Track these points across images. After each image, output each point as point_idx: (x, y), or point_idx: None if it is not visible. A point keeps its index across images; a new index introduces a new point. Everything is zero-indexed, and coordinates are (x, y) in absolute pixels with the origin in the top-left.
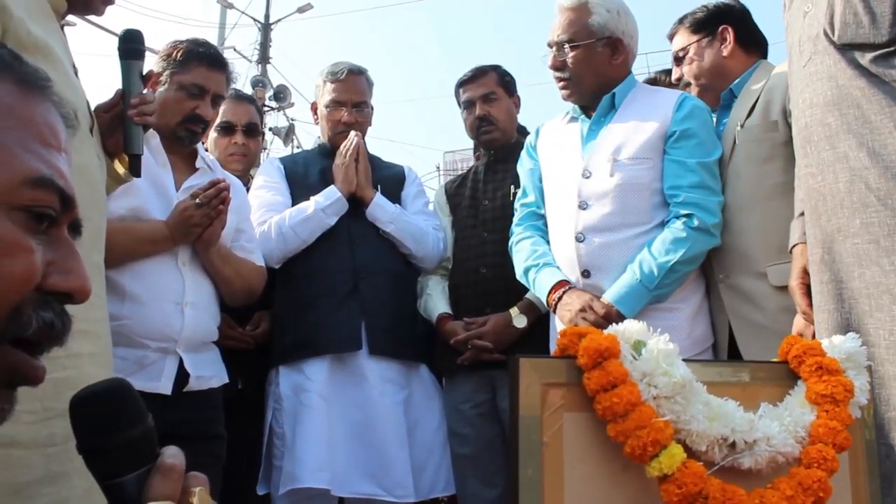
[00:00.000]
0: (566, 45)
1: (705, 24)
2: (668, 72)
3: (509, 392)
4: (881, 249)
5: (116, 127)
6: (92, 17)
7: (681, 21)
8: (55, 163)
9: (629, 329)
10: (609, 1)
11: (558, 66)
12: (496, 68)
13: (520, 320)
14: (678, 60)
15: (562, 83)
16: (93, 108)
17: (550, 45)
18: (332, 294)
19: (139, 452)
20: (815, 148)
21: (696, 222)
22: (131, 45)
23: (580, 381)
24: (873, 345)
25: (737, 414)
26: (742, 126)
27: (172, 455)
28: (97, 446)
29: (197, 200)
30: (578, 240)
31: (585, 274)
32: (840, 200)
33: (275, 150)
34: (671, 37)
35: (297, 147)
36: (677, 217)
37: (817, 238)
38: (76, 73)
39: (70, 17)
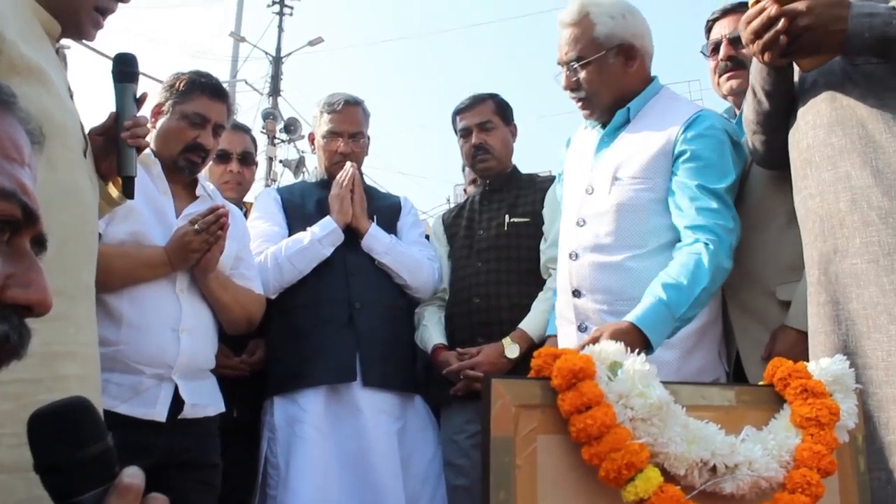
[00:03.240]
0: (575, 64)
1: None
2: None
3: (481, 413)
4: (880, 268)
5: (110, 150)
6: (102, 49)
7: (742, 6)
8: (17, 176)
9: (605, 350)
10: (611, 6)
11: (573, 87)
12: (493, 96)
13: (512, 350)
14: (731, 41)
15: (580, 103)
16: (87, 130)
17: (561, 65)
18: (328, 325)
19: (97, 471)
20: (815, 169)
21: (713, 248)
22: (125, 68)
23: (555, 402)
24: (871, 367)
25: (717, 437)
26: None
27: (131, 475)
28: (54, 464)
29: (196, 226)
30: (571, 258)
31: (576, 293)
32: (840, 220)
33: (285, 181)
34: (714, 21)
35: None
36: (697, 241)
37: (814, 260)
38: (71, 96)
39: (65, 41)
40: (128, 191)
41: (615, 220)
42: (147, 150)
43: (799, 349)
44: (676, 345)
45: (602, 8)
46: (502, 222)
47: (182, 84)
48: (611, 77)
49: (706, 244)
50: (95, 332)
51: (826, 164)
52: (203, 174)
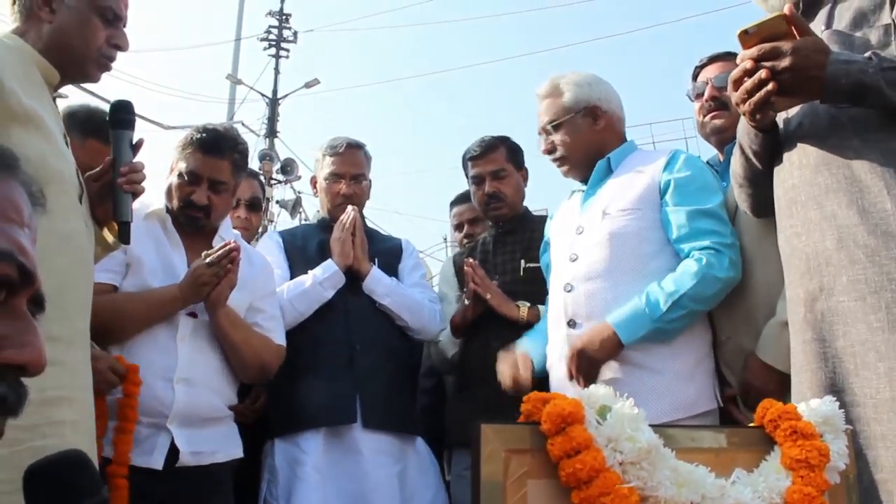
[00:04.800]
0: (549, 127)
1: None
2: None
3: (471, 458)
4: (867, 306)
5: (106, 195)
6: (101, 94)
7: (729, 54)
8: (15, 237)
9: (595, 394)
10: (578, 76)
11: (550, 149)
12: (505, 141)
13: (524, 305)
14: (716, 80)
15: (557, 163)
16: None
17: (539, 133)
18: (328, 367)
19: None
20: (801, 208)
21: (705, 260)
22: (121, 115)
23: (544, 447)
24: (859, 404)
25: (707, 480)
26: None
27: None
28: None
29: (207, 260)
30: (566, 290)
31: (571, 324)
32: (826, 258)
33: (282, 222)
34: (699, 71)
35: (305, 219)
36: (689, 256)
37: (799, 298)
38: (67, 143)
39: (61, 90)
40: (123, 236)
41: (608, 248)
42: (161, 205)
43: (763, 380)
44: (667, 371)
45: (570, 79)
46: (518, 267)
47: (183, 141)
48: (581, 135)
49: (700, 258)
50: (90, 377)
51: (812, 204)
52: (227, 224)
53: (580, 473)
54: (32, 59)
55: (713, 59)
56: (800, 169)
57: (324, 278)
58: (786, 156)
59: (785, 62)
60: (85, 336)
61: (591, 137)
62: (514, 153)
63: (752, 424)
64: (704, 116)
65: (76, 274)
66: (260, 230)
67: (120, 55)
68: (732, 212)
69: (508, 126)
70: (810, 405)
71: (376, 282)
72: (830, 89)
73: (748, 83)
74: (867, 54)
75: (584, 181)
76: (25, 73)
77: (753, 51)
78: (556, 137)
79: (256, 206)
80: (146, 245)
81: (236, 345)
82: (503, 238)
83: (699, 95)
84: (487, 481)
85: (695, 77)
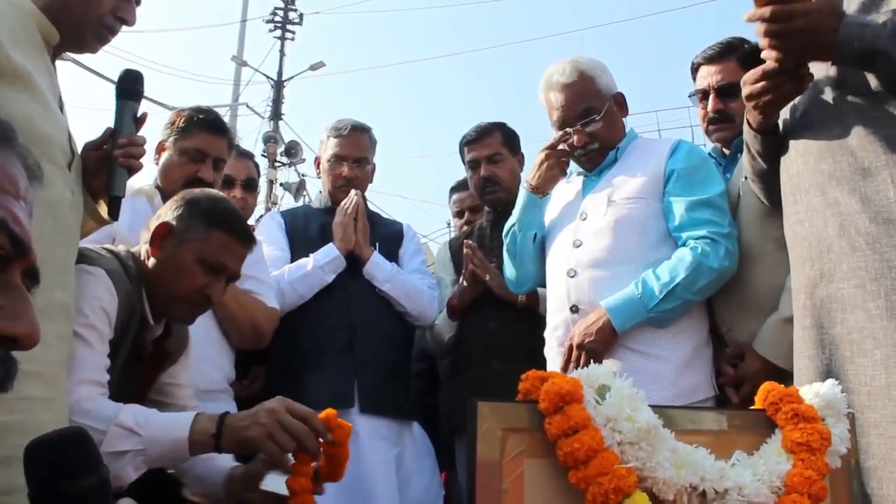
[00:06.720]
0: (597, 116)
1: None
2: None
3: (467, 437)
4: (867, 293)
5: (103, 166)
6: (105, 73)
7: (729, 51)
8: (10, 207)
9: (594, 373)
10: (594, 62)
11: (587, 141)
12: (501, 127)
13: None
14: (719, 92)
15: (589, 155)
16: (81, 145)
17: (567, 126)
18: (327, 350)
19: (92, 502)
20: (805, 195)
21: (700, 250)
22: (129, 85)
23: (542, 426)
24: (853, 391)
25: (706, 462)
26: (747, 178)
27: None
28: (49, 493)
29: None
30: (570, 275)
31: (574, 309)
32: (828, 245)
33: (286, 205)
34: (698, 66)
35: (308, 202)
36: (686, 244)
37: (801, 284)
38: (62, 108)
39: (68, 53)
40: (113, 211)
41: (612, 236)
42: (150, 182)
43: (759, 375)
44: (670, 357)
45: (591, 64)
46: None
47: (182, 120)
48: (615, 125)
49: (695, 247)
50: (67, 352)
51: (815, 190)
52: None
53: (578, 453)
54: (31, 15)
55: (712, 59)
56: (804, 156)
57: (325, 262)
58: (791, 144)
59: (797, 24)
60: (65, 309)
61: (620, 126)
62: (509, 138)
63: (753, 407)
64: (709, 125)
65: (56, 242)
66: (263, 211)
67: (126, 35)
68: (734, 204)
69: (518, 110)
70: (812, 388)
71: (376, 267)
72: (842, 52)
73: (754, 89)
74: (883, 20)
75: (590, 170)
76: (21, 29)
77: (766, 11)
78: (596, 126)
79: (252, 186)
80: (132, 221)
81: (224, 301)
82: (500, 223)
83: (702, 98)
84: (483, 460)
85: (694, 71)
